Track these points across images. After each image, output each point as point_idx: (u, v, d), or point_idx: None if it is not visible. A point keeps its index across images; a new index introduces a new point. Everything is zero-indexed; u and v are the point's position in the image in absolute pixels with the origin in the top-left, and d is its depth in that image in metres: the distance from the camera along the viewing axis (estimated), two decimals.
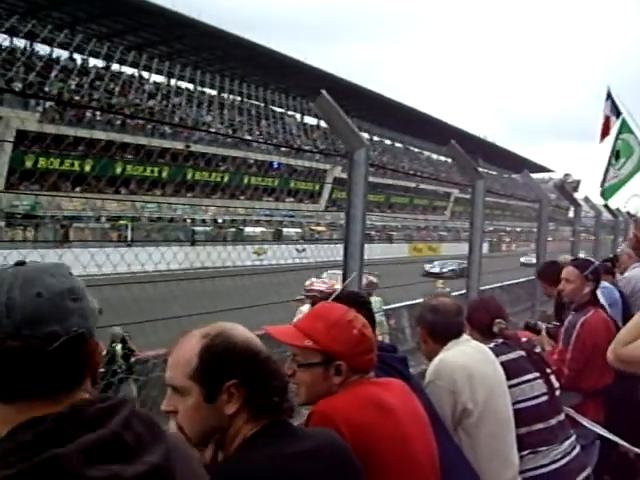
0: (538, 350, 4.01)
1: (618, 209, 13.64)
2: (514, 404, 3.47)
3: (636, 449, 4.60)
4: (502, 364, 3.47)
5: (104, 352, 11.90)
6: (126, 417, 1.34)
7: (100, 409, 1.33)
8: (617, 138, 11.98)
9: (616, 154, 11.95)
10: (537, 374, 3.75)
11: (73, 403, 1.33)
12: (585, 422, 4.55)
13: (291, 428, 1.93)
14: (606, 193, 12.22)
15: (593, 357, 4.79)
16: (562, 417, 3.87)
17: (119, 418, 1.32)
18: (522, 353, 3.76)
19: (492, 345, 3.69)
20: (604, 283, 6.48)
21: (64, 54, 55.33)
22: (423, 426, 2.53)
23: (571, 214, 11.62)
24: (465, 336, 3.49)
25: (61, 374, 1.35)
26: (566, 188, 13.06)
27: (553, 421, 3.73)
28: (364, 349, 2.37)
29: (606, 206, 12.83)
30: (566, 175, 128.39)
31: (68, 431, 1.25)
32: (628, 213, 15.70)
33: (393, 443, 2.30)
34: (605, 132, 12.08)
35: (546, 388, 3.76)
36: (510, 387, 3.49)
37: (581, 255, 8.85)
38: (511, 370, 3.58)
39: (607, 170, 12.13)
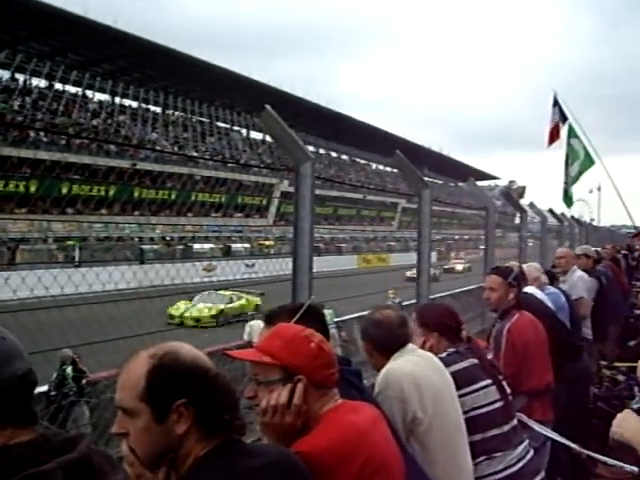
0: (489, 357, 4.04)
1: (563, 214, 13.86)
2: (468, 411, 3.49)
3: (587, 451, 4.66)
4: (454, 373, 3.47)
5: (54, 375, 11.74)
6: (87, 446, 1.52)
7: (64, 438, 1.55)
8: (568, 144, 12.24)
9: (566, 159, 12.23)
10: (490, 381, 3.77)
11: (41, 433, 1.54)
12: (535, 426, 4.59)
13: (243, 446, 1.92)
14: (566, 200, 12.52)
15: (527, 359, 4.85)
16: (515, 422, 3.91)
17: (83, 446, 1.51)
18: (474, 361, 3.77)
19: (444, 355, 3.69)
20: (550, 288, 6.58)
21: (5, 74, 54.77)
22: (394, 446, 2.57)
23: (517, 220, 11.75)
24: (411, 345, 3.49)
25: None
26: (512, 195, 13.21)
27: (507, 427, 3.76)
28: (323, 363, 2.36)
29: (551, 211, 13.02)
30: (511, 182, 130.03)
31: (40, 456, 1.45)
32: (572, 217, 15.97)
33: (379, 469, 2.32)
34: (553, 137, 12.30)
35: (499, 394, 3.79)
36: (464, 395, 3.51)
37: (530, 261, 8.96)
38: (464, 378, 3.59)
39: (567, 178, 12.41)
